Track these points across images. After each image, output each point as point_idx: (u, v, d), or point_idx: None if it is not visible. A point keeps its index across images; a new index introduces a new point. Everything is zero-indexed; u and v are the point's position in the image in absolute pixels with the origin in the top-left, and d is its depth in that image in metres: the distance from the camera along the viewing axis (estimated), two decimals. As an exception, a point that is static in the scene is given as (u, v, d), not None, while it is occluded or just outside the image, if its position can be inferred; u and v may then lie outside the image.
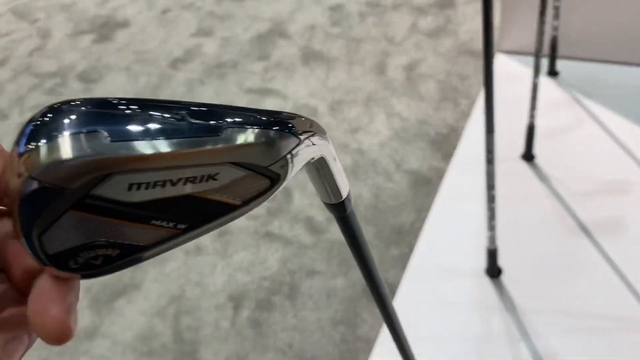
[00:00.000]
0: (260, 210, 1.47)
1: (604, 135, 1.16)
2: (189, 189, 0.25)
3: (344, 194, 0.38)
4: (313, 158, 0.33)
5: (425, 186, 1.45)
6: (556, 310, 0.90)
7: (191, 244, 1.42)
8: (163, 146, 0.23)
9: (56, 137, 0.21)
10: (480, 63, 1.79)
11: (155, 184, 0.24)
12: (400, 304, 1.06)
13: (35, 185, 0.21)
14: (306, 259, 1.35)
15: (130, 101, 0.24)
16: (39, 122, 0.22)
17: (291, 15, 2.18)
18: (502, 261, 0.99)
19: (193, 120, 0.25)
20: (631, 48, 1.31)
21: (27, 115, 1.92)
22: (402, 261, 1.28)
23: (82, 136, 0.22)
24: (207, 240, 1.42)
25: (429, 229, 1.10)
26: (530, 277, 0.95)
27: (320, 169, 0.35)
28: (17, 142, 0.22)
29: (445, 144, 1.54)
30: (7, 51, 2.29)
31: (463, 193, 1.18)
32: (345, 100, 1.76)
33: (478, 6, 2.06)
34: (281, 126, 0.28)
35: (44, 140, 0.22)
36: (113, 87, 1.99)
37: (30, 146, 0.22)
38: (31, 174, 0.21)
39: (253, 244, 1.40)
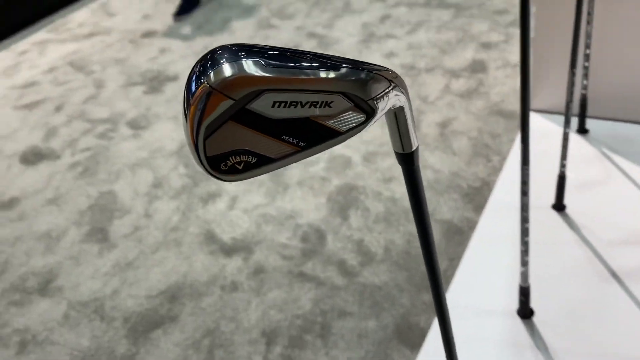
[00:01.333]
0: (294, 251, 1.52)
1: (633, 189, 1.19)
2: (312, 111, 0.33)
3: (414, 146, 0.45)
4: (395, 105, 0.41)
5: (457, 236, 1.48)
6: (587, 353, 0.91)
7: (227, 281, 1.47)
8: (299, 72, 0.32)
9: (230, 60, 0.32)
10: (511, 123, 1.86)
11: (291, 104, 0.32)
12: (432, 346, 1.08)
13: (211, 93, 0.31)
14: (338, 300, 1.38)
15: (273, 47, 0.35)
16: (211, 59, 0.31)
17: (330, 74, 2.31)
18: (533, 303, 1.01)
19: (320, 60, 0.34)
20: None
21: (78, 157, 2.05)
22: (434, 306, 1.30)
23: (248, 61, 0.30)
24: (242, 277, 1.47)
25: (462, 271, 1.13)
26: (562, 319, 0.97)
27: (399, 117, 0.43)
28: (195, 73, 0.32)
29: (477, 196, 1.59)
30: (63, 99, 2.47)
31: (496, 238, 1.21)
32: (379, 152, 1.84)
33: (509, 71, 2.16)
34: (379, 72, 0.38)
35: (221, 63, 0.32)
36: (160, 133, 2.12)
37: (212, 68, 0.31)
38: (211, 85, 0.30)
39: (287, 283, 1.44)
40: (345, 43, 2.56)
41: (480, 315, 1.02)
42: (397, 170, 1.75)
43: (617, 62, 1.33)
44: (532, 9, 1.39)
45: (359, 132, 0.39)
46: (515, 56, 2.23)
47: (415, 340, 1.24)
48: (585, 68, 1.25)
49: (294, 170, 1.82)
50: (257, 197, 1.74)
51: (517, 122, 1.85)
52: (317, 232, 1.58)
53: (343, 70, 0.36)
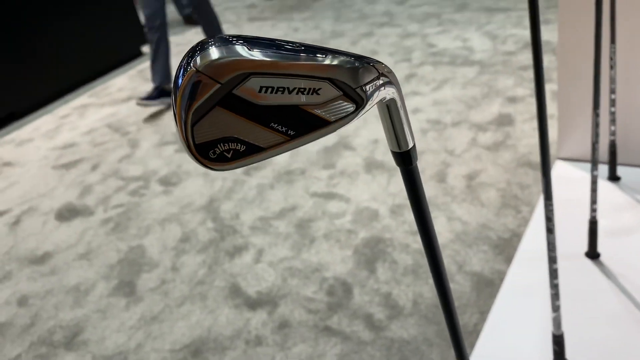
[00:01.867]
0: (320, 304, 1.49)
1: (671, 236, 1.14)
2: (300, 99, 0.33)
3: (410, 144, 0.44)
4: (385, 98, 0.41)
5: (488, 288, 1.43)
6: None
7: (252, 335, 1.44)
8: (286, 56, 0.32)
9: (215, 46, 0.33)
10: (540, 174, 1.83)
11: (278, 90, 0.33)
12: None
13: (197, 76, 0.31)
14: (365, 355, 1.33)
15: (265, 38, 0.35)
16: (200, 47, 0.33)
17: (356, 131, 2.34)
18: (568, 355, 0.95)
19: (307, 47, 0.34)
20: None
21: (111, 213, 2.10)
22: (464, 361, 1.24)
23: (235, 46, 0.31)
24: (267, 331, 1.44)
25: (492, 322, 1.08)
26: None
27: (391, 110, 0.42)
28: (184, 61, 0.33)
29: (507, 248, 1.55)
30: (99, 158, 2.56)
31: (526, 287, 1.16)
32: (406, 205, 1.82)
33: (536, 124, 2.15)
34: (367, 61, 0.38)
35: (208, 47, 0.33)
36: (191, 189, 2.16)
37: (199, 53, 0.33)
38: (197, 68, 0.31)
39: (312, 337, 1.40)
40: (372, 101, 2.60)
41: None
42: (425, 223, 1.73)
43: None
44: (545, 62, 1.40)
45: (349, 122, 0.39)
46: (542, 109, 2.22)
47: (446, 398, 1.18)
48: (612, 113, 1.23)
49: (320, 223, 1.82)
50: (283, 250, 1.73)
51: (546, 173, 1.82)
52: (344, 286, 1.55)
53: (330, 57, 0.36)
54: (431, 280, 1.51)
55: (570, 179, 1.45)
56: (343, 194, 1.95)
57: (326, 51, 0.37)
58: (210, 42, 0.33)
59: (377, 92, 0.39)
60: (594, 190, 1.01)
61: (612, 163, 1.36)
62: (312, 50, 0.36)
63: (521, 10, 3.35)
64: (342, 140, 2.30)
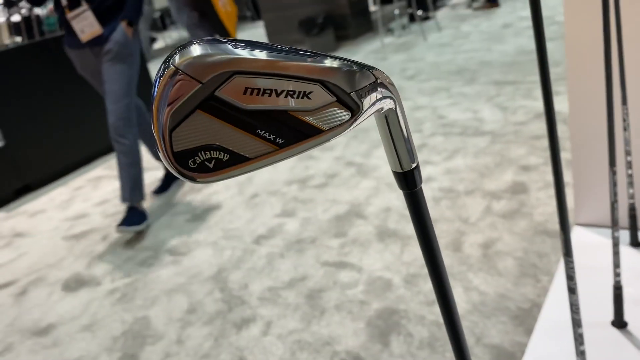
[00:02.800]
0: None
1: None
2: (289, 102, 0.30)
3: (413, 163, 0.40)
4: (383, 108, 0.37)
5: (509, 362, 1.35)
6: None
7: (258, 413, 1.35)
8: (273, 55, 0.30)
9: (198, 44, 0.30)
10: (558, 242, 1.78)
11: (264, 92, 0.29)
12: None
13: (176, 75, 0.28)
14: None
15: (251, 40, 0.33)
16: (181, 46, 0.30)
17: (368, 199, 2.32)
18: None
19: (297, 50, 0.32)
20: None
21: (118, 284, 2.06)
22: None
23: (219, 44, 0.29)
24: (274, 409, 1.35)
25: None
26: None
27: (390, 123, 0.39)
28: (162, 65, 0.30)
29: (527, 319, 1.47)
30: (110, 228, 2.55)
31: (550, 358, 1.08)
32: (421, 274, 1.76)
33: (551, 192, 2.11)
34: (362, 65, 0.35)
35: (186, 47, 0.30)
36: (200, 259, 2.12)
37: (175, 54, 0.29)
38: (177, 66, 0.28)
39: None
40: (384, 170, 2.60)
41: None
42: (440, 293, 1.66)
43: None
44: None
45: (344, 132, 0.35)
46: (556, 177, 2.19)
47: None
48: (630, 176, 1.20)
49: (331, 293, 1.75)
50: (292, 322, 1.66)
51: (565, 241, 1.76)
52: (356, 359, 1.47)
53: (320, 58, 0.33)
54: (448, 354, 1.42)
55: (589, 244, 1.39)
56: (355, 263, 1.90)
57: (320, 54, 0.34)
58: (194, 41, 0.31)
59: (374, 100, 0.36)
60: (616, 253, 0.96)
61: (634, 227, 1.31)
62: (305, 52, 0.33)
63: (529, 83, 3.40)
64: (354, 208, 2.27)
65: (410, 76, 4.16)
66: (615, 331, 1.07)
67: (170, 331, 1.73)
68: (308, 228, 2.19)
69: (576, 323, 0.61)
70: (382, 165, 2.65)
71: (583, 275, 1.27)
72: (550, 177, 2.20)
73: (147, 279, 2.06)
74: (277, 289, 1.84)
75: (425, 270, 1.77)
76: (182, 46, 0.30)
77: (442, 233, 1.97)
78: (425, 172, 2.48)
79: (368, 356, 1.47)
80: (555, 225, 1.87)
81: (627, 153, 1.16)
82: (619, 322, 1.07)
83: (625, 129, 1.11)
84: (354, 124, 0.35)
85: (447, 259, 1.81)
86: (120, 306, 1.92)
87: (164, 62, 0.30)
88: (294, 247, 2.07)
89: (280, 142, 0.32)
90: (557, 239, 1.80)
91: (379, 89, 0.36)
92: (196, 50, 0.30)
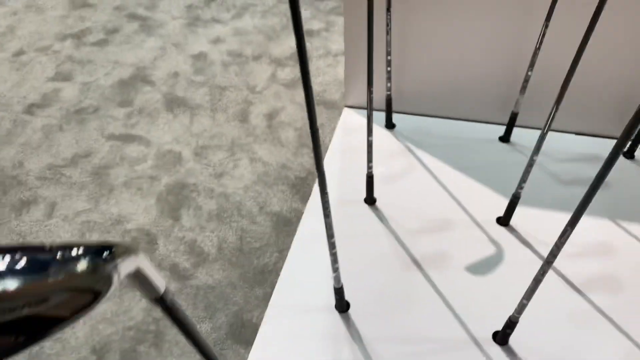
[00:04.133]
0: (124, 259, 1.47)
1: (431, 180, 1.36)
2: (26, 311, 0.30)
3: (162, 288, 0.45)
4: (130, 271, 0.39)
5: (286, 227, 1.56)
6: (396, 338, 1.04)
7: (50, 298, 1.37)
8: None
9: None
10: (333, 113, 1.98)
11: None
12: (262, 342, 1.13)
13: None
14: (172, 305, 1.37)
15: None
16: None
17: (154, 62, 2.22)
18: (349, 296, 1.11)
19: None
20: (450, 105, 1.56)
21: None
22: (266, 300, 1.36)
23: None
24: (67, 293, 1.39)
25: (287, 269, 1.20)
26: (373, 309, 1.09)
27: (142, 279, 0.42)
28: None
29: (303, 187, 1.68)
30: None
31: (316, 235, 1.30)
32: (210, 146, 1.83)
33: (331, 60, 2.27)
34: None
35: None
36: (-43, 133, 1.87)
37: None
38: None
39: (116, 294, 1.40)
40: (170, 27, 2.46)
41: (304, 312, 1.10)
42: (229, 165, 1.77)
43: (416, 64, 1.48)
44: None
45: (93, 309, 0.35)
46: (336, 45, 2.34)
47: (249, 338, 1.29)
48: (388, 72, 1.38)
49: (120, 170, 1.74)
50: (79, 202, 1.64)
51: (338, 112, 1.97)
52: (148, 236, 1.55)
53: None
54: (234, 224, 1.58)
55: (356, 127, 1.60)
56: (143, 135, 1.88)
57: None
58: None
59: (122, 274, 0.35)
60: (370, 145, 1.14)
61: (389, 113, 1.53)
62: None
63: None
64: (140, 72, 2.16)
65: None
66: (366, 207, 1.31)
67: None
68: (89, 95, 2.05)
69: (330, 236, 0.75)
70: (169, 22, 2.50)
71: (348, 157, 1.48)
72: (331, 45, 2.34)
73: None
74: (58, 166, 1.75)
75: (215, 142, 1.85)
76: None
77: (231, 102, 2.02)
78: (214, 33, 2.42)
79: (159, 232, 1.55)
80: (332, 95, 2.06)
81: (388, 54, 1.31)
82: (370, 200, 1.31)
83: (387, 33, 1.25)
84: (100, 302, 0.34)
85: (236, 130, 1.90)
86: None
87: None
88: (74, 117, 1.94)
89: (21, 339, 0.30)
90: (333, 109, 2.00)
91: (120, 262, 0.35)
92: None
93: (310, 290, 1.14)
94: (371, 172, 1.23)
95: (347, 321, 1.07)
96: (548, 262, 0.83)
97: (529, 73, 1.27)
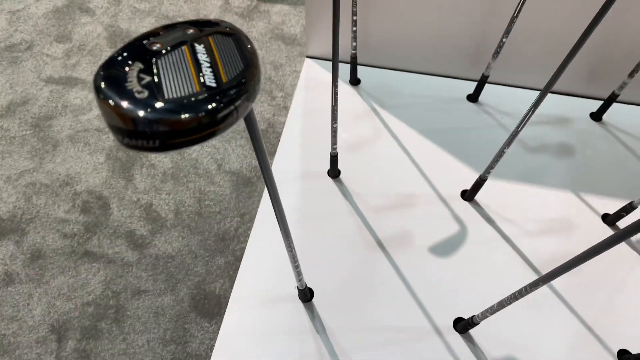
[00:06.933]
0: (76, 226, 1.41)
1: (396, 148, 1.31)
2: None
3: None
4: None
5: (247, 187, 1.50)
6: (358, 328, 1.05)
7: (0, 272, 1.32)
8: None
9: None
10: (293, 50, 1.84)
11: None
12: (225, 337, 1.10)
13: None
14: (131, 278, 1.34)
15: None
16: None
17: (91, -16, 1.98)
18: (312, 282, 1.11)
19: None
20: (418, 59, 1.46)
21: None
22: (228, 270, 1.35)
23: None
24: (17, 265, 1.34)
25: (248, 258, 1.17)
26: (336, 297, 1.09)
27: None
28: None
29: (263, 139, 1.60)
30: None
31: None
32: (160, 93, 1.70)
33: (290, -17, 2.07)
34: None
35: None
36: None
37: None
38: None
39: (71, 266, 1.35)
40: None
41: (269, 304, 1.09)
42: (181, 114, 1.65)
43: (384, 15, 1.36)
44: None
45: None
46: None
47: (213, 310, 1.29)
48: (354, 32, 1.27)
49: (63, 121, 1.61)
50: (21, 160, 1.52)
51: (299, 49, 1.83)
52: (100, 200, 1.47)
53: None
54: (192, 184, 1.51)
55: (317, 82, 1.49)
56: (86, 78, 1.72)
57: None
58: None
59: None
60: (334, 130, 1.07)
61: (354, 71, 1.43)
62: None
63: None
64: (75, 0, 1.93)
65: None
66: (330, 181, 1.26)
67: None
68: (19, 28, 1.83)
69: (283, 225, 0.71)
70: None
71: (312, 118, 1.40)
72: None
73: None
74: (-7, 118, 1.60)
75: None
76: None
77: (181, 37, 1.85)
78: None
79: (112, 195, 1.48)
80: (291, 29, 1.91)
81: (354, 14, 1.19)
82: (334, 174, 1.26)
83: (354, -5, 1.13)
84: None
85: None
86: None
87: None
88: (5, 56, 1.75)
89: None
90: (293, 45, 1.86)
91: None
92: None
93: (274, 279, 1.12)
94: (335, 152, 1.17)
95: (311, 312, 1.07)
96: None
97: (504, 40, 1.19)
